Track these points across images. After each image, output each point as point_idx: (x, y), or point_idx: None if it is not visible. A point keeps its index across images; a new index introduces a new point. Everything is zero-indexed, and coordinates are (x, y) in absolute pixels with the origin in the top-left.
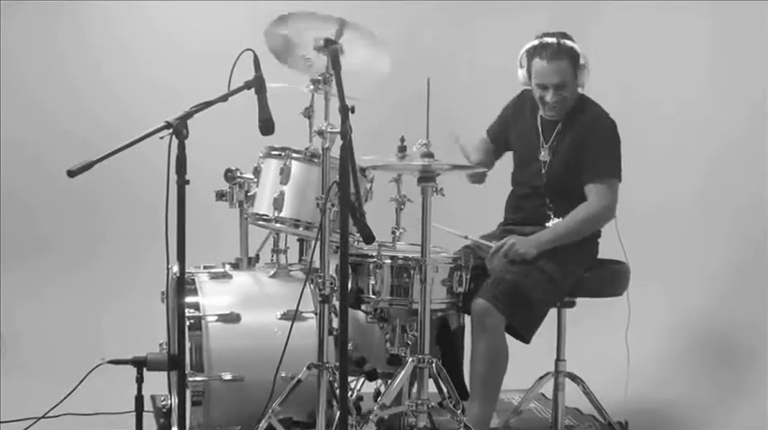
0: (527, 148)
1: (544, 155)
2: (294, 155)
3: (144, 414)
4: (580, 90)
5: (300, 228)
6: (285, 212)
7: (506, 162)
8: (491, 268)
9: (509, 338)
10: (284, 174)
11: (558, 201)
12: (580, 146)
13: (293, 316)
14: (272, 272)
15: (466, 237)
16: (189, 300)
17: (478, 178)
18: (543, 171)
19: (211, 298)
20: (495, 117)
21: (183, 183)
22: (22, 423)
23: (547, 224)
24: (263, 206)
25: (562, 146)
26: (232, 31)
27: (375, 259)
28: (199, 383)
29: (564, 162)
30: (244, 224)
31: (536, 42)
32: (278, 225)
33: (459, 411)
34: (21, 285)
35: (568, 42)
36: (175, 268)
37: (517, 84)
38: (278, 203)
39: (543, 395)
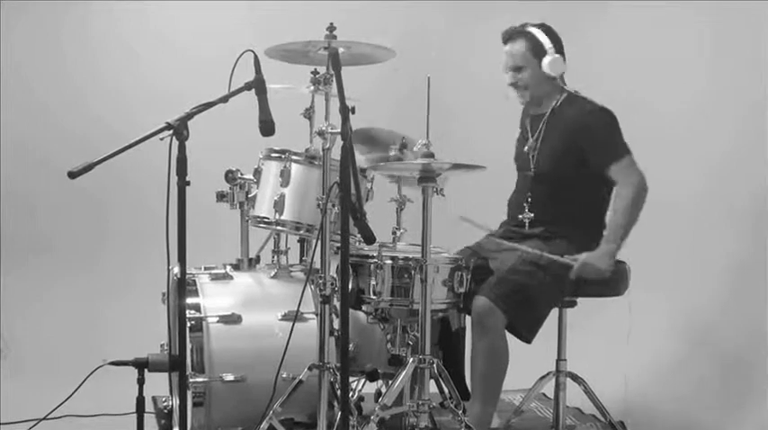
0: (518, 145)
1: (529, 147)
2: (294, 157)
3: (145, 415)
4: (564, 86)
5: (302, 231)
6: (286, 215)
7: (508, 162)
8: (496, 268)
9: (510, 338)
10: (284, 177)
11: (538, 195)
12: (572, 136)
13: (294, 316)
14: (273, 272)
15: (496, 237)
16: (190, 301)
17: None
18: (530, 164)
19: (212, 299)
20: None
21: (183, 184)
22: (24, 424)
23: (519, 216)
24: (263, 209)
25: (547, 139)
26: (233, 32)
27: (376, 260)
28: (200, 384)
29: (548, 154)
30: (244, 225)
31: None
32: (279, 227)
33: (460, 411)
34: (22, 286)
35: (531, 29)
36: (176, 269)
37: None
38: (279, 206)
39: (544, 395)
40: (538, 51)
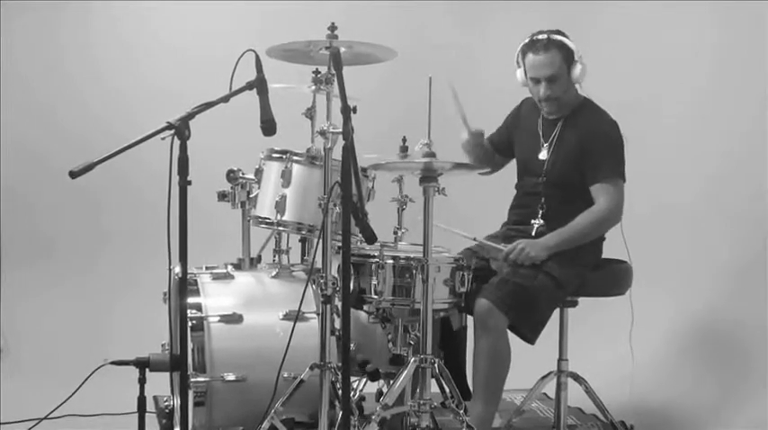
0: (528, 149)
1: (543, 154)
2: (295, 158)
3: (146, 415)
4: (581, 92)
5: (303, 231)
6: (288, 216)
7: (510, 164)
8: (498, 268)
9: (512, 338)
10: (286, 178)
11: (552, 201)
12: (582, 146)
13: (295, 316)
14: (275, 272)
15: (474, 239)
16: (191, 300)
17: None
18: (543, 169)
19: (213, 298)
20: (497, 122)
21: (184, 183)
22: (25, 424)
23: (532, 221)
24: (264, 209)
25: (563, 144)
26: (233, 32)
27: (377, 259)
28: (201, 384)
29: (564, 160)
30: (246, 224)
31: (528, 40)
32: (281, 228)
33: (461, 411)
34: (23, 285)
35: (559, 37)
36: (177, 269)
37: (517, 82)
38: (280, 207)
39: (546, 395)
40: (568, 59)
